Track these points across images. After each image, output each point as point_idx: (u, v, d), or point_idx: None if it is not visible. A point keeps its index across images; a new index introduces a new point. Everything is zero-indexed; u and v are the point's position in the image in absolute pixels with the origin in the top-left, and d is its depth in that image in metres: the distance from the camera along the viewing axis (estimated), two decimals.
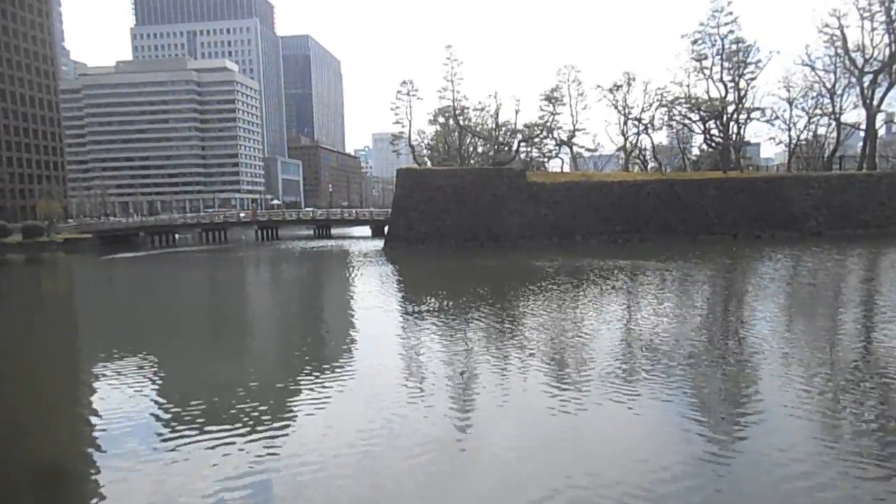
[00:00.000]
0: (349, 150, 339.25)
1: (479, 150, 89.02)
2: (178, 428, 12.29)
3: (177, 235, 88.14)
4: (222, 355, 19.55)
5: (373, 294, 32.24)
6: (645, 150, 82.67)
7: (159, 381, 16.33)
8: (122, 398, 14.54)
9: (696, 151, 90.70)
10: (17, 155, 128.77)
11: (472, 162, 79.99)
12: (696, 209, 59.22)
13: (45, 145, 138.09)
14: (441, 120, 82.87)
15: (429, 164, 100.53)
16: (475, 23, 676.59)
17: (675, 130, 79.95)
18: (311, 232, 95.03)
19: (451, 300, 27.22)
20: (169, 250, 75.37)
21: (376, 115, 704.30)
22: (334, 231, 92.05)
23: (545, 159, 77.04)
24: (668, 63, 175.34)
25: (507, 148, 69.57)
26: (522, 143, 68.26)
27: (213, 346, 21.46)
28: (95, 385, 16.39)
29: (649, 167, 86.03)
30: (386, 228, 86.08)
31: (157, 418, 13.05)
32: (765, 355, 16.38)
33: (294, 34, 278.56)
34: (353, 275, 42.54)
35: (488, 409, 13.10)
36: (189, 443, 11.44)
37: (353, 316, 26.50)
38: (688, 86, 68.76)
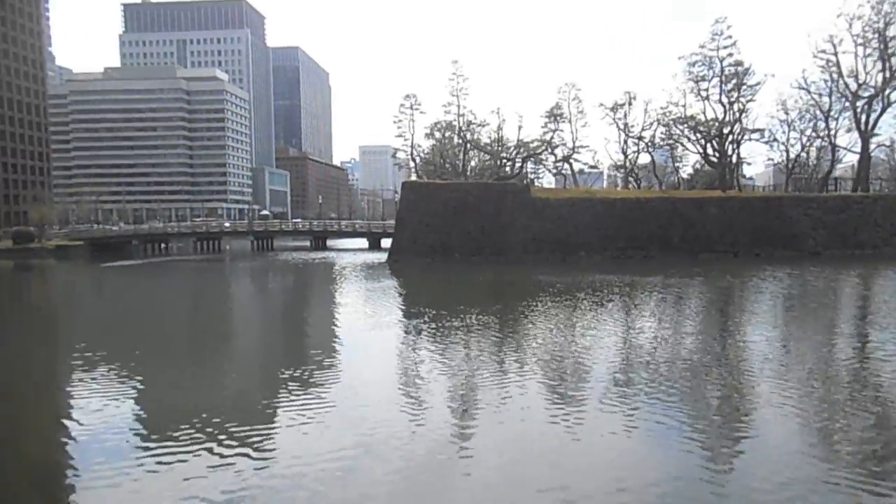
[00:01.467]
0: (336, 161, 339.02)
1: (473, 163, 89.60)
2: (158, 442, 11.99)
3: (170, 244, 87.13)
4: (215, 368, 19.21)
5: (377, 307, 32.14)
6: (639, 167, 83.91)
7: (145, 395, 15.94)
8: (106, 411, 14.13)
9: (688, 170, 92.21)
10: (2, 160, 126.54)
11: (464, 177, 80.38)
12: (697, 227, 60.02)
13: (32, 150, 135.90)
14: (437, 134, 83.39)
15: (423, 178, 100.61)
16: (472, 38, 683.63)
17: (669, 149, 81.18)
18: (306, 243, 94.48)
19: (456, 315, 27.22)
20: (164, 259, 74.35)
21: (363, 127, 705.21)
22: (329, 242, 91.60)
23: (542, 175, 77.95)
24: (664, 83, 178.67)
25: (509, 163, 70.07)
26: (528, 160, 68.81)
27: (207, 360, 20.80)
28: (79, 396, 15.93)
29: (642, 185, 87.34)
30: (382, 241, 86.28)
31: (138, 432, 12.81)
32: (766, 375, 16.36)
33: (284, 45, 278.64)
34: (357, 288, 42.17)
35: (482, 424, 12.99)
36: (170, 457, 11.16)
37: (355, 330, 25.93)
38: (684, 106, 70.38)
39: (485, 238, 58.54)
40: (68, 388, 16.91)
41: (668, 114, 68.55)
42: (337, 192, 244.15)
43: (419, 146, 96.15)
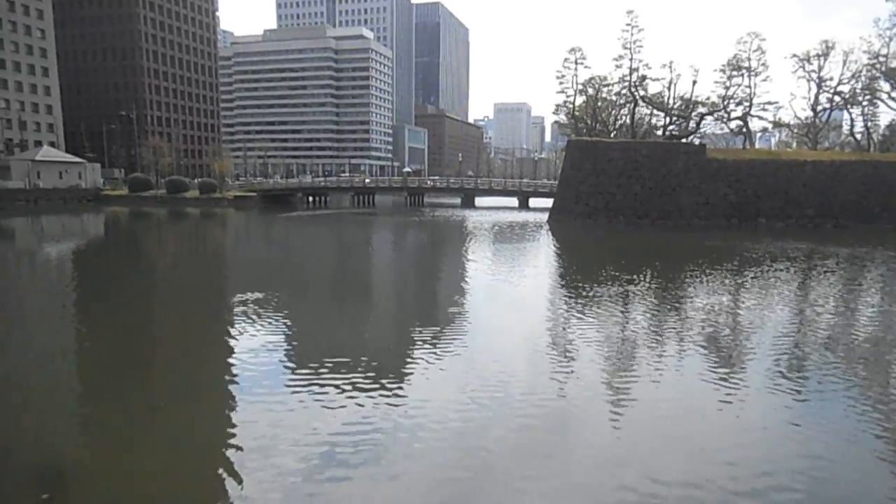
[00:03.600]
0: (469, 119, 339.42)
1: (619, 122, 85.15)
2: (303, 374, 13.01)
3: (328, 197, 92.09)
4: (386, 311, 20.98)
5: (539, 268, 32.18)
6: (822, 126, 75.03)
7: (306, 331, 17.51)
8: (269, 343, 15.67)
9: (881, 130, 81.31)
10: (182, 117, 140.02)
11: (612, 134, 76.25)
12: None
13: (206, 109, 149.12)
14: (591, 91, 79.97)
15: (572, 136, 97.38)
16: None
17: (864, 106, 71.78)
18: (453, 200, 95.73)
19: (622, 280, 26.26)
20: (328, 211, 78.78)
21: (498, 84, 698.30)
22: (478, 201, 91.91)
23: (702, 134, 72.04)
24: (862, 31, 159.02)
25: (680, 121, 65.47)
26: (707, 116, 63.99)
27: (380, 303, 22.77)
28: (256, 328, 17.24)
29: (819, 146, 78.21)
30: (531, 200, 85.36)
31: (287, 364, 14.00)
32: None
33: (427, 1, 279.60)
34: (519, 247, 41.49)
35: (630, 389, 12.47)
36: (311, 389, 12.00)
37: (511, 288, 25.83)
38: (885, 56, 61.52)
39: (652, 200, 55.71)
40: (249, 320, 18.40)
41: (874, 66, 60.08)
42: (477, 150, 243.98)
43: (570, 104, 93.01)
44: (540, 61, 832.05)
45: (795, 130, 79.58)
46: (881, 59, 61.95)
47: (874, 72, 60.96)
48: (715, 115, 63.82)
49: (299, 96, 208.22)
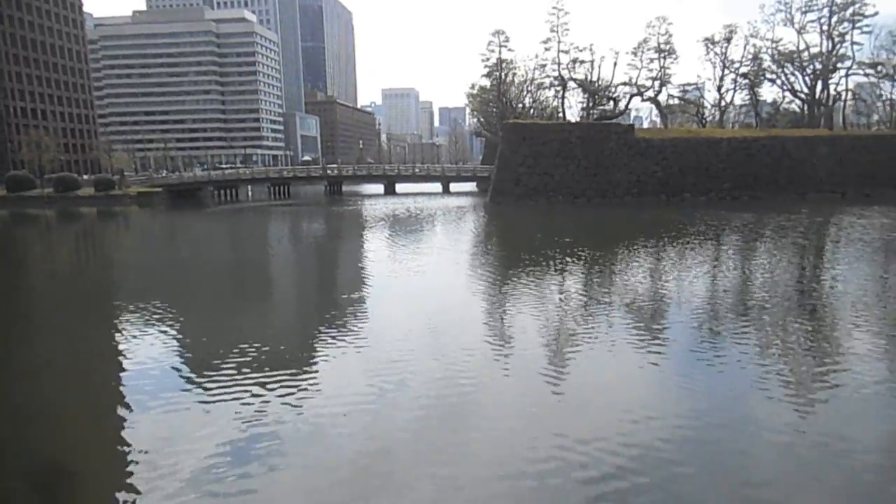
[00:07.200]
0: (358, 105, 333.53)
1: (521, 106, 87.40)
2: (204, 379, 12.52)
3: (238, 190, 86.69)
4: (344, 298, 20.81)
5: (483, 250, 33.12)
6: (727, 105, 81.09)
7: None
8: (160, 345, 15.09)
9: (767, 109, 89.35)
10: (53, 108, 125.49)
11: (518, 117, 77.89)
12: (805, 167, 58.76)
13: (80, 98, 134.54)
14: (498, 73, 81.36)
15: (481, 119, 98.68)
16: None
17: (753, 87, 78.52)
18: (373, 188, 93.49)
19: (568, 256, 27.86)
20: (246, 205, 74.21)
21: (384, 69, 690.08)
22: (398, 188, 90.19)
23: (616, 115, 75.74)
24: (751, 16, 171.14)
25: (611, 102, 68.14)
26: (635, 98, 66.95)
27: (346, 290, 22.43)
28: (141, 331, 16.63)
29: (708, 125, 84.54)
30: (452, 185, 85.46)
31: (190, 369, 13.37)
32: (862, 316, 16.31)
33: None
34: (480, 231, 41.76)
35: (566, 355, 13.67)
36: (214, 393, 11.71)
37: (460, 269, 26.62)
38: (770, 39, 67.78)
39: (588, 180, 57.69)
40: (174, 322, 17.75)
41: (774, 49, 65.85)
42: (377, 138, 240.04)
43: (479, 86, 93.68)
44: (423, 46, 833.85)
45: (695, 111, 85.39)
46: (777, 43, 67.98)
47: (774, 53, 66.72)
48: (644, 97, 67.18)
49: (180, 84, 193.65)
